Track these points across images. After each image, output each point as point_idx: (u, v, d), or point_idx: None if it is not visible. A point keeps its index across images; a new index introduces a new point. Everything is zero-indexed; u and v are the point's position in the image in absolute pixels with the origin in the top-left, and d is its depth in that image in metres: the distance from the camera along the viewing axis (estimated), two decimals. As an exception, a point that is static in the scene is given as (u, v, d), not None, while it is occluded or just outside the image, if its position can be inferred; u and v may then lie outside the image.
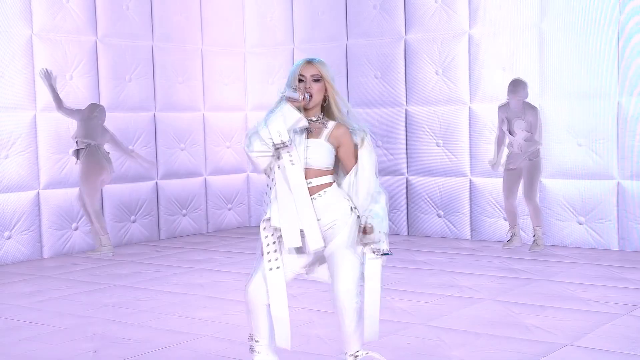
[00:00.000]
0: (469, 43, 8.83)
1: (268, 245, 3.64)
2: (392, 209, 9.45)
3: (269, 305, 3.67)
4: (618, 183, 8.02)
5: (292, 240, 3.57)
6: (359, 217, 3.64)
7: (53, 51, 8.41)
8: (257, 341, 3.77)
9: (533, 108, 7.89)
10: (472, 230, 8.91)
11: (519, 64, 8.52)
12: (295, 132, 3.58)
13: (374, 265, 3.63)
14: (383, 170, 9.41)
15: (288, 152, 3.54)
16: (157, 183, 9.45)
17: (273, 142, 3.50)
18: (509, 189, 8.09)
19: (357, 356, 3.69)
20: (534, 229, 8.04)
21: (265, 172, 3.67)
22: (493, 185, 8.72)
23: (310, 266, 3.80)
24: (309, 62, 3.65)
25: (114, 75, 8.98)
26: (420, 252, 8.20)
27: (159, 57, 9.47)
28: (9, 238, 8.06)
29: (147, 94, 9.35)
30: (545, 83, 8.39)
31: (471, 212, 8.93)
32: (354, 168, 3.69)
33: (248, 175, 10.59)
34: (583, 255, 7.82)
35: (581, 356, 4.49)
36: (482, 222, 8.85)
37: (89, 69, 8.75)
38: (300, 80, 3.62)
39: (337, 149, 3.66)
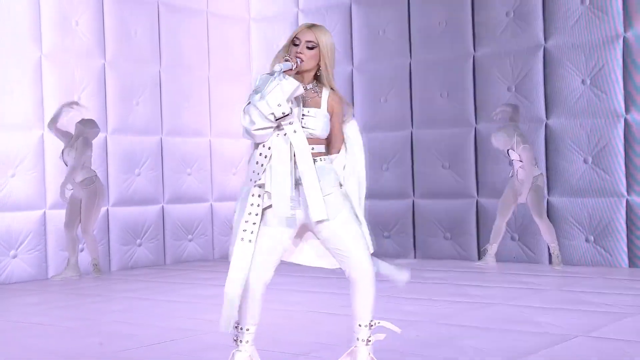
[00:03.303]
0: (474, 65, 8.89)
1: (250, 213, 3.45)
2: (399, 232, 9.41)
3: (266, 284, 3.54)
4: (626, 200, 7.98)
5: (282, 207, 3.42)
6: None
7: (61, 72, 8.48)
8: (247, 329, 3.60)
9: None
10: (479, 251, 8.83)
11: (524, 84, 8.56)
12: (293, 102, 3.46)
13: None
14: (390, 194, 9.39)
15: (290, 122, 3.45)
16: (163, 207, 9.44)
17: (275, 116, 3.38)
18: (507, 208, 8.16)
19: (372, 325, 3.62)
20: (550, 247, 8.04)
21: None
22: (500, 206, 8.68)
23: (293, 247, 3.68)
24: (309, 27, 3.57)
25: (121, 98, 9.04)
26: (428, 271, 8.13)
27: (166, 82, 9.54)
28: (14, 257, 8.01)
29: (154, 118, 9.39)
30: (552, 102, 8.41)
31: (478, 233, 8.87)
32: (343, 148, 3.67)
33: (254, 202, 10.55)
34: (593, 271, 7.74)
35: (594, 345, 4.42)
36: (490, 243, 8.78)
37: (97, 92, 8.81)
38: (294, 45, 3.54)
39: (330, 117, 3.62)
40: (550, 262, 8.19)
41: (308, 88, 3.59)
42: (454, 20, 9.07)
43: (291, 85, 3.39)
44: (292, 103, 3.43)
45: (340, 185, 3.62)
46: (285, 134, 3.46)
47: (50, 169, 8.31)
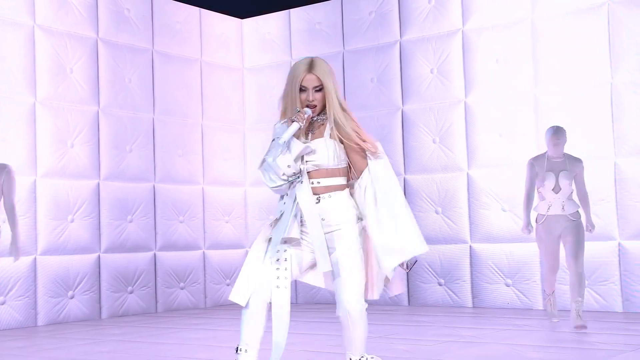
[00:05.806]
0: (465, 111, 8.97)
1: (286, 260, 3.56)
2: (392, 279, 9.33)
3: (270, 304, 3.58)
4: (619, 244, 7.97)
5: (324, 264, 3.54)
6: (364, 228, 3.55)
7: (55, 119, 8.52)
8: (246, 351, 3.59)
9: (579, 160, 6.87)
10: (473, 297, 8.77)
11: (515, 129, 8.62)
12: (302, 158, 3.56)
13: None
14: (382, 240, 9.35)
15: (300, 179, 3.57)
16: (155, 254, 9.38)
17: (287, 177, 3.55)
18: (555, 261, 6.85)
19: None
20: (577, 301, 6.55)
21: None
22: (493, 251, 8.66)
23: (305, 270, 3.70)
24: (310, 70, 3.57)
25: (114, 145, 9.07)
26: (421, 315, 8.07)
27: (160, 130, 9.59)
28: (3, 303, 7.93)
29: (147, 165, 9.41)
30: (542, 147, 8.45)
31: (472, 279, 8.83)
32: (365, 173, 3.55)
33: (247, 251, 10.53)
34: (588, 315, 7.67)
35: (589, 377, 4.37)
36: (484, 289, 8.72)
37: (90, 138, 8.84)
38: (301, 90, 3.57)
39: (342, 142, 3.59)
40: (574, 320, 6.58)
41: (317, 119, 3.63)
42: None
43: (298, 148, 3.52)
44: (301, 161, 3.55)
45: (359, 219, 3.58)
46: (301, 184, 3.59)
47: (42, 216, 8.26)
